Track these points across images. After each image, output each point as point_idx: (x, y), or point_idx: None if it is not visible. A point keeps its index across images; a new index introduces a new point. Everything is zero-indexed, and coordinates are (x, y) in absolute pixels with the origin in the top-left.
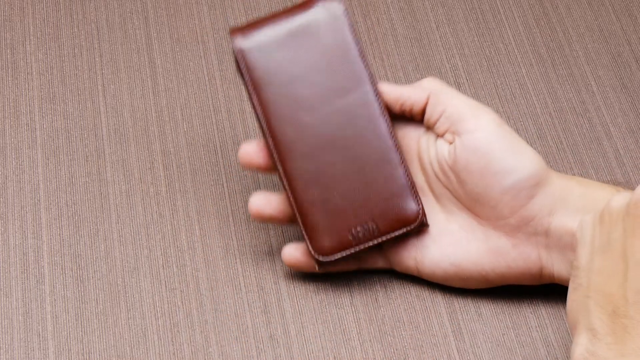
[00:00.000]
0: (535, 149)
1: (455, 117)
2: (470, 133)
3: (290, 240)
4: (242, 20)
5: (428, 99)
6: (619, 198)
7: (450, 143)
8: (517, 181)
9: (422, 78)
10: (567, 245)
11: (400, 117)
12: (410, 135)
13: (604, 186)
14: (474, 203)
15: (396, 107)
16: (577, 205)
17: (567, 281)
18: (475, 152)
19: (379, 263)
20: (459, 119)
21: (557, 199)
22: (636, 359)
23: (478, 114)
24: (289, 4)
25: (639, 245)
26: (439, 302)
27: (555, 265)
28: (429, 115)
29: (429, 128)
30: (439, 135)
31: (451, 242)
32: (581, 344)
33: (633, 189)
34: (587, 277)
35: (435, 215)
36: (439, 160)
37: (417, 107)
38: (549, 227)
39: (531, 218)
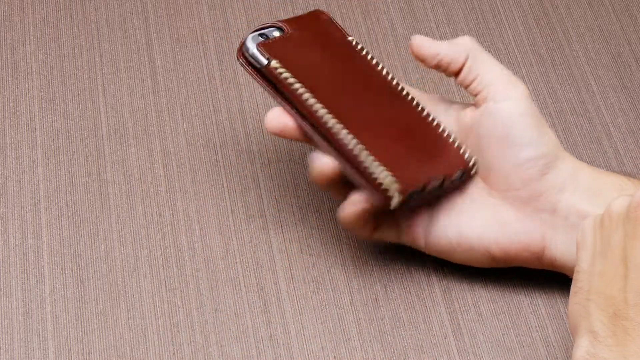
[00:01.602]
0: None
1: (488, 83)
2: (498, 102)
3: (290, 240)
4: (242, 20)
5: (466, 60)
6: (619, 201)
7: (478, 107)
8: (533, 157)
9: (422, 78)
10: (573, 226)
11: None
12: (433, 102)
13: (614, 173)
14: (487, 171)
15: (432, 62)
16: (587, 187)
17: (568, 266)
18: (499, 120)
19: (392, 236)
20: (492, 85)
21: (568, 178)
22: None
23: (510, 85)
24: (289, 4)
25: (639, 248)
26: (439, 302)
27: (558, 247)
28: (464, 77)
29: (463, 87)
30: (472, 95)
31: (460, 210)
32: (582, 347)
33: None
34: (588, 280)
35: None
36: (463, 121)
37: (455, 66)
38: (557, 205)
39: (540, 193)
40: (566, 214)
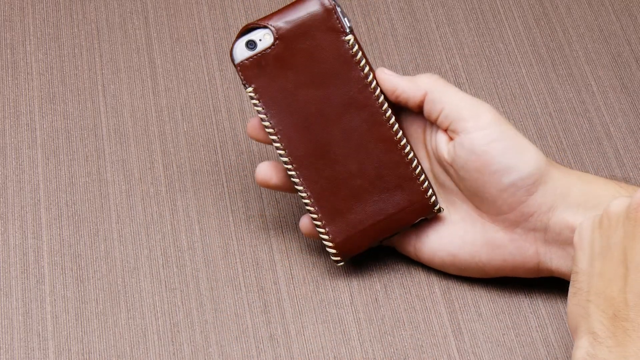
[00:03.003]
0: None
1: (454, 116)
2: (468, 133)
3: (290, 240)
4: (242, 20)
5: (424, 96)
6: (618, 202)
7: (451, 139)
8: (515, 180)
9: None
10: (567, 239)
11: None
12: (418, 123)
13: (606, 182)
14: (473, 197)
15: (392, 97)
16: (578, 201)
17: (567, 275)
18: (473, 152)
19: (384, 241)
20: (458, 118)
21: (558, 195)
22: None
23: (477, 113)
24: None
25: (639, 249)
26: (439, 302)
27: (554, 260)
28: (429, 113)
29: (432, 123)
30: (441, 130)
31: (450, 232)
32: (582, 347)
33: (633, 184)
34: (588, 281)
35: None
36: (439, 155)
37: (412, 102)
38: (548, 223)
39: (530, 214)
40: (559, 229)
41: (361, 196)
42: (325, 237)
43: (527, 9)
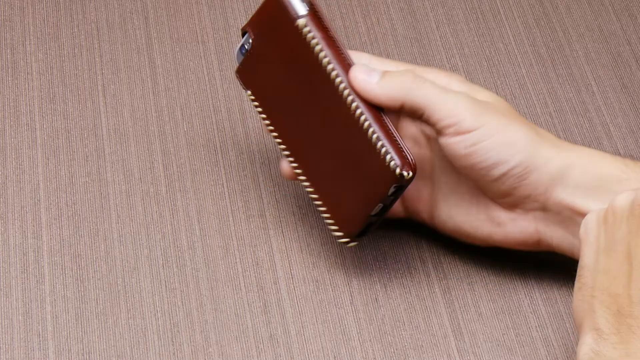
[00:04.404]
0: None
1: (435, 120)
2: (451, 137)
3: (290, 240)
4: (242, 20)
5: (402, 106)
6: (623, 197)
7: (436, 139)
8: (504, 172)
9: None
10: (567, 218)
11: None
12: None
13: (611, 160)
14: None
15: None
16: (577, 182)
17: (567, 251)
18: (458, 154)
19: (401, 214)
20: (439, 121)
21: (553, 176)
22: None
23: (456, 115)
24: None
25: None
26: (439, 302)
27: (554, 239)
28: (411, 117)
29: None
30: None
31: (457, 203)
32: (586, 344)
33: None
34: (592, 277)
35: (450, 173)
36: (425, 148)
37: (391, 110)
38: (547, 203)
39: (526, 196)
40: (558, 209)
41: (343, 176)
42: (331, 221)
43: (527, 9)
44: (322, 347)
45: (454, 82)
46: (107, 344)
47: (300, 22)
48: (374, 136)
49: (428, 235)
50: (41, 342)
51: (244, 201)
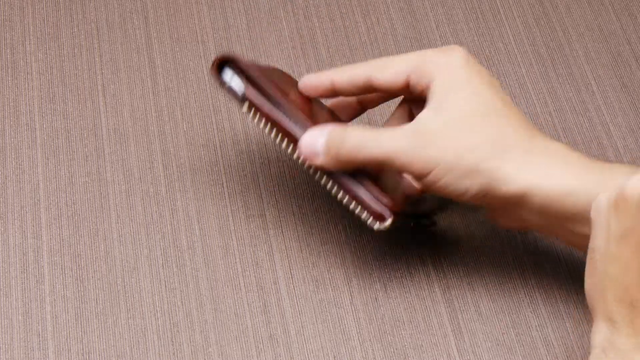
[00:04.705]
0: None
1: (392, 168)
2: (412, 179)
3: (290, 240)
4: (242, 20)
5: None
6: (633, 185)
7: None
8: (468, 197)
9: None
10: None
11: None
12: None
13: (578, 175)
14: None
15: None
16: (540, 209)
17: (552, 235)
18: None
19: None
20: (396, 168)
21: (515, 202)
22: None
23: (402, 163)
24: (289, 4)
25: None
26: (438, 301)
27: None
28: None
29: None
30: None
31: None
32: (601, 332)
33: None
34: (603, 262)
35: None
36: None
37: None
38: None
39: (499, 207)
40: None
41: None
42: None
43: (527, 9)
44: (321, 347)
45: (454, 59)
46: (107, 344)
47: (244, 108)
48: (344, 200)
49: (428, 235)
50: (41, 342)
51: (244, 201)
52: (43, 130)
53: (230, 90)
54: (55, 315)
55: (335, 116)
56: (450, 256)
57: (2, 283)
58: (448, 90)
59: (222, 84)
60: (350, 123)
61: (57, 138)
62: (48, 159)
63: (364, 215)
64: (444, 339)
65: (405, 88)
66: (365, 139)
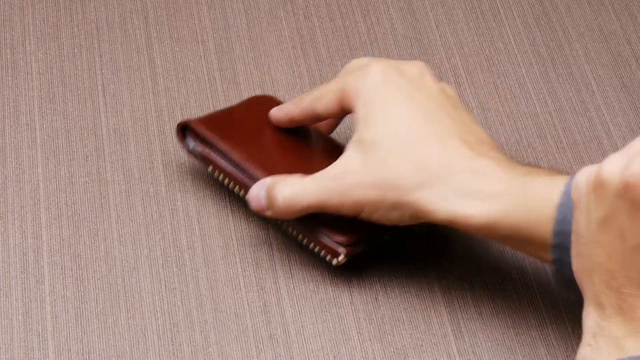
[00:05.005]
0: (535, 148)
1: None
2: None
3: (290, 240)
4: (242, 20)
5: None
6: (611, 169)
7: None
8: (408, 224)
9: None
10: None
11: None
12: None
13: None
14: None
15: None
16: (500, 237)
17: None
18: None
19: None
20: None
21: (448, 220)
22: None
23: (333, 210)
24: (289, 4)
25: (635, 231)
26: (438, 301)
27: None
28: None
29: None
30: None
31: None
32: (591, 315)
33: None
34: (588, 246)
35: None
36: None
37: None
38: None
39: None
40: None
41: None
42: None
43: (527, 9)
44: (321, 347)
45: (370, 80)
46: (107, 344)
47: (209, 169)
48: (303, 241)
49: (428, 235)
50: (41, 342)
51: (244, 201)
52: (43, 130)
53: (192, 153)
54: (55, 315)
55: (327, 143)
56: (450, 256)
57: (2, 283)
58: (366, 118)
59: (186, 147)
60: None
61: (57, 138)
62: (48, 159)
63: (322, 253)
64: (444, 339)
65: (345, 112)
66: (295, 192)
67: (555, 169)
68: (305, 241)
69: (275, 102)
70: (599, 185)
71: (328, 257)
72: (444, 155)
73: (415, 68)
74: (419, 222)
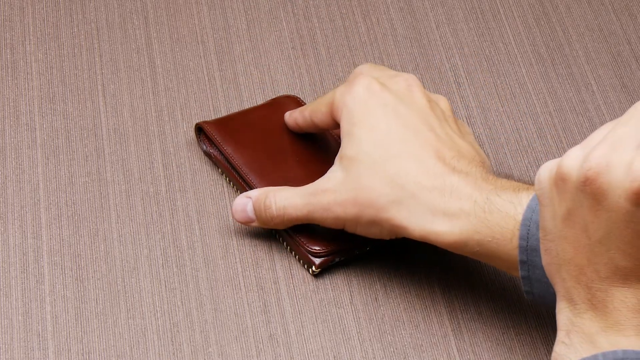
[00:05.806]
0: (535, 148)
1: None
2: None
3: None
4: (242, 20)
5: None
6: (570, 164)
7: None
8: (389, 238)
9: (421, 77)
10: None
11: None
12: None
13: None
14: None
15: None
16: (474, 254)
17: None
18: None
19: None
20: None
21: (422, 238)
22: (617, 334)
23: (319, 221)
24: (288, 4)
25: (598, 224)
26: (438, 301)
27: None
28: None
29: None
30: None
31: None
32: (564, 311)
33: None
34: (555, 242)
35: None
36: None
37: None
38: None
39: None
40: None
41: None
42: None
43: (527, 9)
44: (321, 347)
45: (355, 94)
46: (107, 344)
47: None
48: (287, 248)
49: None
50: (41, 342)
51: None
52: (43, 130)
53: (205, 153)
54: (55, 315)
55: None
56: (450, 255)
57: (2, 283)
58: (349, 134)
59: (201, 147)
60: None
61: (57, 138)
62: (48, 159)
63: (301, 261)
64: (444, 339)
65: (338, 124)
66: (285, 204)
67: (524, 182)
68: (288, 248)
69: (297, 104)
70: (560, 180)
71: (305, 266)
72: (417, 172)
73: (403, 81)
74: (398, 237)
